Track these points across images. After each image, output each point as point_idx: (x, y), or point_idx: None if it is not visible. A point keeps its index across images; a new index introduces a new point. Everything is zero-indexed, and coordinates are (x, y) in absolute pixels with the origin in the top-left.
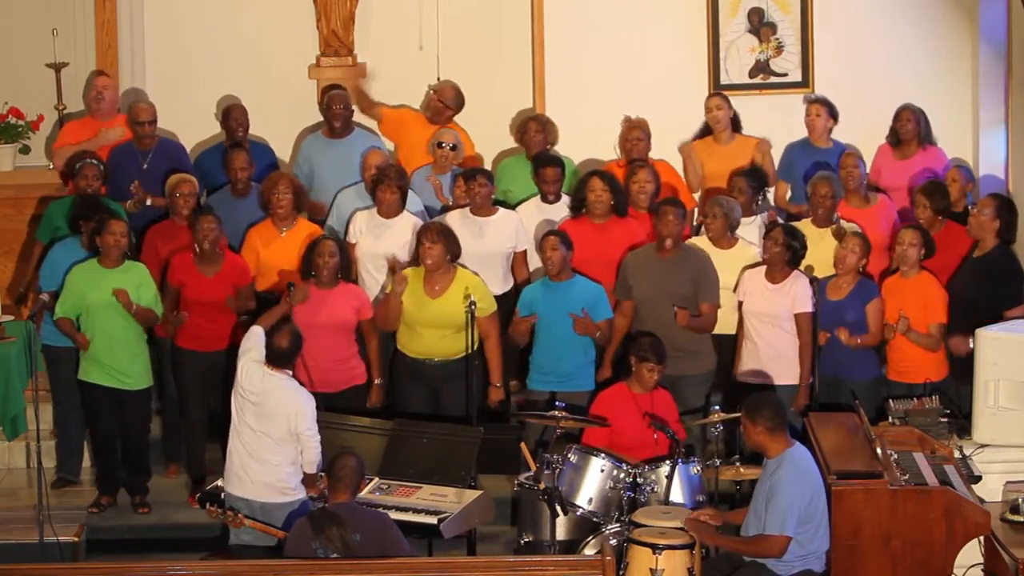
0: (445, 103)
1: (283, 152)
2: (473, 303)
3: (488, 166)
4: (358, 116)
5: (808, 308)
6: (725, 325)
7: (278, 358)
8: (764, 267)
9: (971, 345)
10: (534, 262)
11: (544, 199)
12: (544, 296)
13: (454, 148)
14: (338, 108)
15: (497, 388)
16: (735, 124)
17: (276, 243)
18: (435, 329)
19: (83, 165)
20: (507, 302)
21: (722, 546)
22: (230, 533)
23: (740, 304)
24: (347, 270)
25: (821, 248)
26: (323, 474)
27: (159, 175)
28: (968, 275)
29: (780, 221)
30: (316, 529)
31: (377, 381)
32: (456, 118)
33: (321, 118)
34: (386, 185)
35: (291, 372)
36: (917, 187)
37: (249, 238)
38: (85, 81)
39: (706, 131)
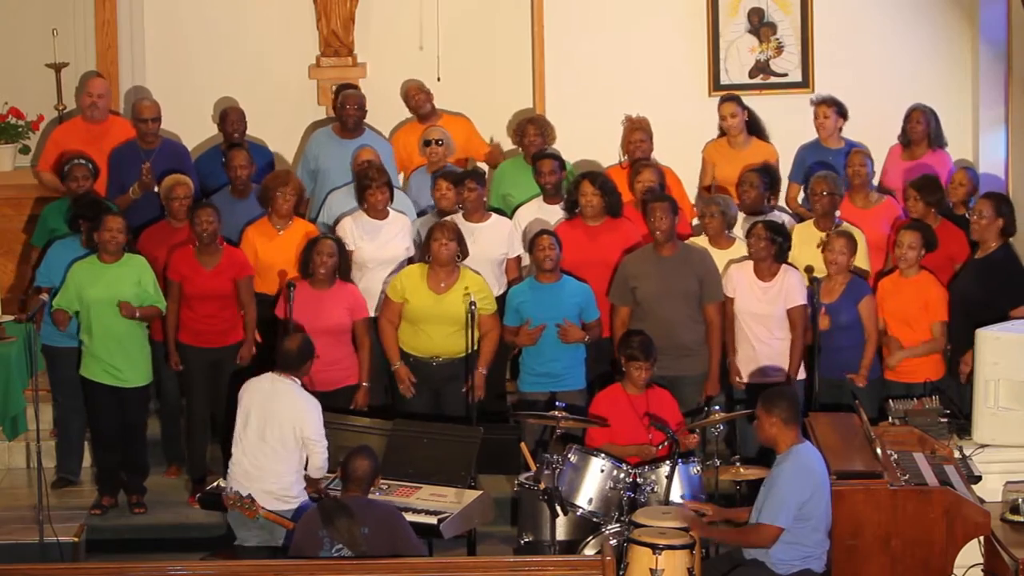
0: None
1: (283, 152)
2: (474, 303)
3: (488, 167)
4: (368, 117)
5: (801, 301)
6: None
7: (286, 361)
8: (751, 263)
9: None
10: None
11: (544, 194)
12: (533, 298)
13: (441, 143)
14: (352, 108)
15: (482, 373)
16: (752, 127)
17: (274, 241)
18: (440, 326)
19: (72, 166)
20: (500, 305)
21: (713, 537)
22: (235, 533)
23: (730, 300)
24: (345, 270)
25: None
26: (330, 475)
27: (163, 176)
28: (972, 275)
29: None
30: (325, 519)
31: (364, 384)
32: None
33: (324, 115)
34: (376, 187)
35: (299, 380)
36: (909, 181)
37: (246, 236)
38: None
39: (723, 132)
